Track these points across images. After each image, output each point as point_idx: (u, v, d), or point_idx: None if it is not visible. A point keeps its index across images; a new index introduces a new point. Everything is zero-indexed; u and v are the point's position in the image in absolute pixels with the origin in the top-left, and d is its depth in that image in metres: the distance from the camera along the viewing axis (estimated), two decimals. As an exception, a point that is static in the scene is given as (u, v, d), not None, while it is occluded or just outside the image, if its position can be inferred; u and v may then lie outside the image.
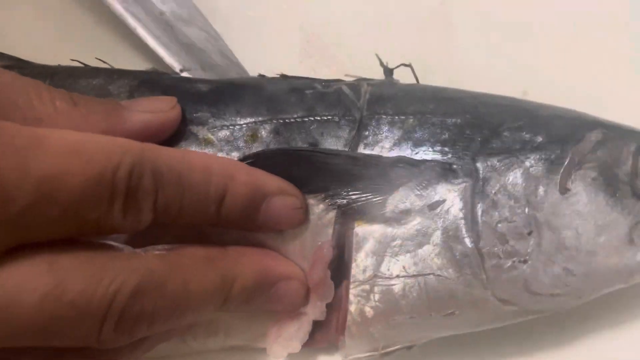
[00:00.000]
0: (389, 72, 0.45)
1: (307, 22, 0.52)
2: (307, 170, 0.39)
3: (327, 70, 0.43)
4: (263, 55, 0.47)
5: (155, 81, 0.43)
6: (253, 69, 0.44)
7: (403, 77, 0.46)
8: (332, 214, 0.39)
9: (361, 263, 0.39)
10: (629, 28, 0.51)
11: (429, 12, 0.52)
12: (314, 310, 0.39)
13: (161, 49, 0.47)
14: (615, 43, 0.51)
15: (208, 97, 0.42)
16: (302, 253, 0.39)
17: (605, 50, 0.51)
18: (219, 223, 0.36)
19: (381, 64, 0.46)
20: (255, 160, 0.39)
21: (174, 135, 0.40)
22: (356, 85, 0.42)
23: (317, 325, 0.40)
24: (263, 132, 0.40)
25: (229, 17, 0.52)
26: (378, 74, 0.45)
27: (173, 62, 0.47)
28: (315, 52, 0.51)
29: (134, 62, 0.49)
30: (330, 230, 0.39)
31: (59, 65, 0.44)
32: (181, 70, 0.47)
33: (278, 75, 0.44)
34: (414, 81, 0.46)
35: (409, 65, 0.45)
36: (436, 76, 0.45)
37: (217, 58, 0.48)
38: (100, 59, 0.45)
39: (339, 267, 0.39)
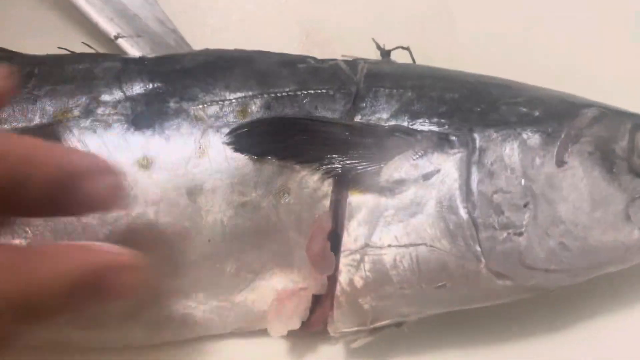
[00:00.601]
0: (385, 53, 0.45)
1: (306, 16, 0.52)
2: (303, 139, 0.38)
3: (326, 65, 0.43)
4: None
5: (141, 62, 0.42)
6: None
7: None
8: (327, 186, 0.38)
9: (353, 232, 0.38)
10: (631, 17, 0.52)
11: (428, 4, 0.52)
12: (315, 283, 0.38)
13: (95, 14, 0.47)
14: (617, 32, 0.51)
15: (196, 72, 0.40)
16: (298, 226, 0.38)
17: (609, 40, 0.51)
18: (28, 212, 0.32)
19: (378, 47, 0.46)
20: (249, 128, 0.38)
21: (164, 112, 0.38)
22: (353, 62, 0.42)
23: (313, 305, 0.39)
24: (253, 107, 0.39)
25: (227, 11, 0.52)
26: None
27: (108, 28, 0.47)
28: (314, 46, 0.51)
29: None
30: (327, 202, 0.38)
31: (47, 54, 0.43)
32: (116, 37, 0.46)
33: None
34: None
35: (407, 48, 0.45)
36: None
37: (152, 24, 0.48)
38: (86, 44, 0.45)
39: (337, 242, 0.38)
